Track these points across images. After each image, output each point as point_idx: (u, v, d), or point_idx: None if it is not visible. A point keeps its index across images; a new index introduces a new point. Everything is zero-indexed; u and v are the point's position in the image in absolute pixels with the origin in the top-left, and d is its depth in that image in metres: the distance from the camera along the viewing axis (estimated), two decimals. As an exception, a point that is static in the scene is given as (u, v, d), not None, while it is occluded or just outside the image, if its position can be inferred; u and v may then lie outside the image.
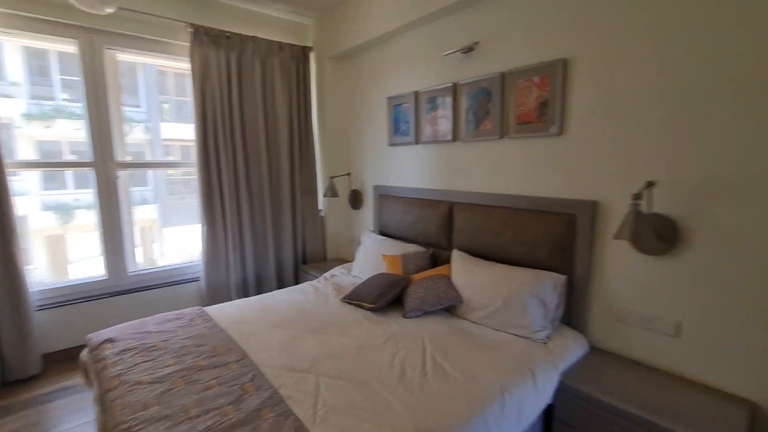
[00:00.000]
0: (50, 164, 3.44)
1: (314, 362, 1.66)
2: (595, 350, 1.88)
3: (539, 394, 1.58)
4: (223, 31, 2.95)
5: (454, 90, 2.43)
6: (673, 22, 1.54)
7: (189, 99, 2.92)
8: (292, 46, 3.29)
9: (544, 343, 1.81)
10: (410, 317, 2.11)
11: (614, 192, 1.77)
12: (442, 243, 2.56)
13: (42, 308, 2.54)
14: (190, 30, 2.83)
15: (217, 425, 1.25)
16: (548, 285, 1.88)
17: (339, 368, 1.61)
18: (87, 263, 3.69)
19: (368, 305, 2.20)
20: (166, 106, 5.69)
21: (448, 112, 2.48)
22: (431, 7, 2.36)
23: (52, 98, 4.64)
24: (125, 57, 2.90)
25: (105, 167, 2.75)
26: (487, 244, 2.23)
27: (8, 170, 2.33)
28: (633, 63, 1.66)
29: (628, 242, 1.72)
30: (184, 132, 3.37)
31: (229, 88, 3.03)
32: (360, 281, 2.56)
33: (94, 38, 2.64)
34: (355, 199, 3.43)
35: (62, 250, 4.47)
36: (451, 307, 2.15)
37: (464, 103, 2.38)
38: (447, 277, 2.24)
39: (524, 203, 2.10)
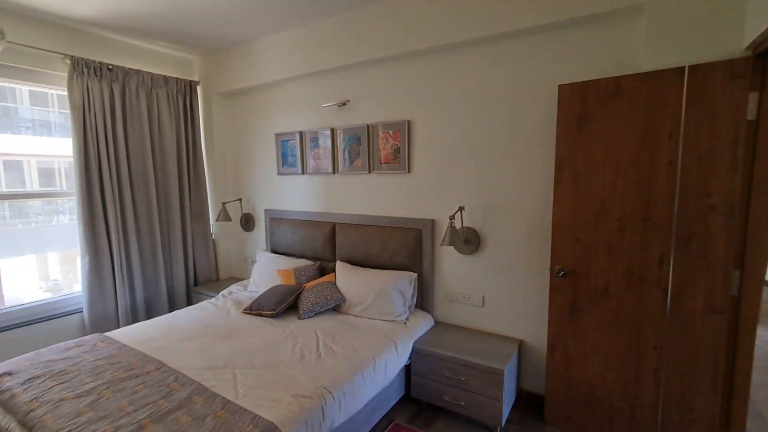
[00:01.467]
0: None
1: (228, 360, 2.04)
2: (438, 323, 2.68)
3: (399, 358, 2.26)
4: (105, 63, 3.03)
5: (332, 133, 3.05)
6: (470, 102, 2.43)
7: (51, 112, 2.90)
8: (178, 79, 3.50)
9: (404, 323, 2.51)
10: (305, 318, 2.61)
11: (443, 213, 2.60)
12: (327, 256, 3.13)
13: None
14: (68, 62, 2.86)
15: (156, 413, 1.57)
16: (406, 281, 2.61)
17: (250, 361, 2.03)
18: None
19: (268, 312, 2.62)
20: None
21: (328, 151, 3.09)
22: (305, 70, 2.97)
23: None
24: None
25: (-36, 200, 2.57)
26: (362, 254, 2.89)
27: None
28: (448, 128, 2.52)
29: (451, 247, 2.56)
30: (49, 146, 3.25)
31: (113, 119, 3.10)
32: (258, 295, 2.95)
33: (-49, 64, 2.49)
34: (247, 222, 3.76)
35: None
36: (337, 306, 2.72)
37: (340, 144, 3.02)
38: (333, 283, 2.81)
39: (387, 222, 2.82)
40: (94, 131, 3.00)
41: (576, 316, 2.06)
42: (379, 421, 2.22)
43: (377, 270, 2.76)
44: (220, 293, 3.19)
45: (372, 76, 2.81)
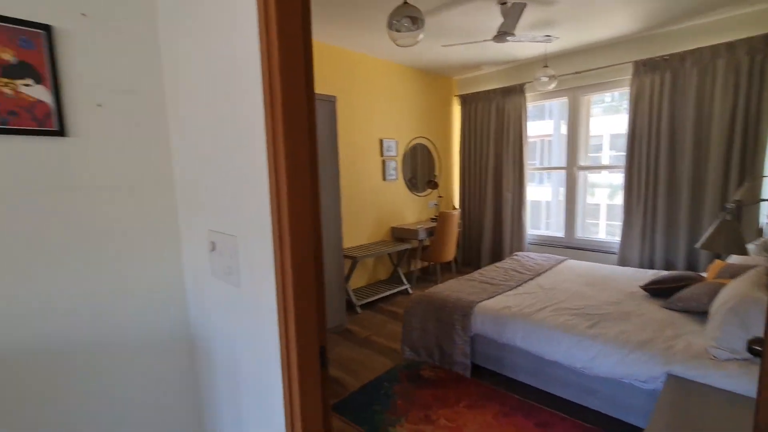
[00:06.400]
0: (546, 168, 5.46)
1: (554, 288, 2.77)
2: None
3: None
4: (662, 56, 3.63)
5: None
6: None
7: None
8: (747, 39, 3.20)
9: (719, 360, 1.71)
10: (667, 307, 2.36)
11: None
12: (779, 260, 2.13)
13: (530, 244, 4.87)
14: (631, 67, 3.83)
15: (490, 285, 2.98)
16: (755, 310, 1.64)
17: (570, 300, 2.65)
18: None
19: (642, 286, 2.61)
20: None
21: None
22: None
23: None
24: (592, 96, 4.41)
25: (571, 170, 4.52)
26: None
27: (527, 171, 4.76)
28: None
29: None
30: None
31: (660, 102, 3.68)
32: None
33: (576, 92, 4.40)
34: (791, 205, 2.83)
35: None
36: (703, 311, 2.13)
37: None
38: (720, 285, 2.13)
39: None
40: (643, 116, 3.79)
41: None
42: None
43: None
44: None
45: None
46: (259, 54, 0.82)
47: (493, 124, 4.92)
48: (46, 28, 1.04)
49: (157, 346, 1.28)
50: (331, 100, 3.09)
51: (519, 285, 2.90)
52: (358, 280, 4.25)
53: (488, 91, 4.92)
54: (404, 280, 4.34)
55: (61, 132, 1.08)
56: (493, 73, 4.98)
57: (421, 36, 2.31)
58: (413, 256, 4.65)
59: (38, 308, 1.07)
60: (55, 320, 1.09)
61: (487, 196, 5.04)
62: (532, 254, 3.79)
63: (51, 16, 1.05)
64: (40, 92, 1.04)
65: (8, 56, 0.99)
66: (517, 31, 3.07)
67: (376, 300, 4.02)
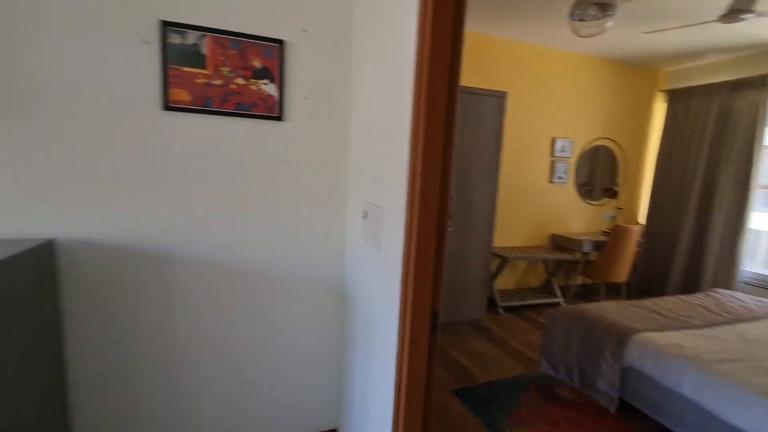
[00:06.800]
0: None
1: (760, 341, 2.13)
2: None
3: None
4: None
5: None
6: None
7: None
8: None
9: None
10: None
11: None
12: None
13: (746, 283, 3.74)
14: None
15: (661, 317, 2.50)
16: None
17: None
18: None
19: None
20: None
21: None
22: None
23: None
24: None
25: (835, 193, 3.25)
26: None
27: (756, 190, 3.65)
28: None
29: None
30: None
31: None
32: None
33: None
34: None
35: None
36: None
37: None
38: None
39: None
40: None
41: None
42: None
43: None
44: None
45: None
46: (414, 58, 0.97)
47: (710, 126, 3.94)
48: (280, 42, 1.44)
49: (322, 286, 1.64)
50: (500, 96, 3.08)
51: (706, 326, 2.33)
52: (505, 281, 4.13)
53: (709, 86, 3.94)
54: (558, 293, 4.00)
55: (280, 118, 1.49)
56: (716, 63, 3.97)
57: (609, 24, 2.08)
58: (573, 269, 4.21)
59: (260, 239, 1.52)
60: (268, 251, 1.54)
61: (687, 214, 4.10)
62: (741, 295, 2.94)
63: (284, 33, 1.45)
64: (271, 89, 1.46)
65: (257, 63, 1.43)
66: (760, 6, 2.39)
67: (521, 306, 3.84)
